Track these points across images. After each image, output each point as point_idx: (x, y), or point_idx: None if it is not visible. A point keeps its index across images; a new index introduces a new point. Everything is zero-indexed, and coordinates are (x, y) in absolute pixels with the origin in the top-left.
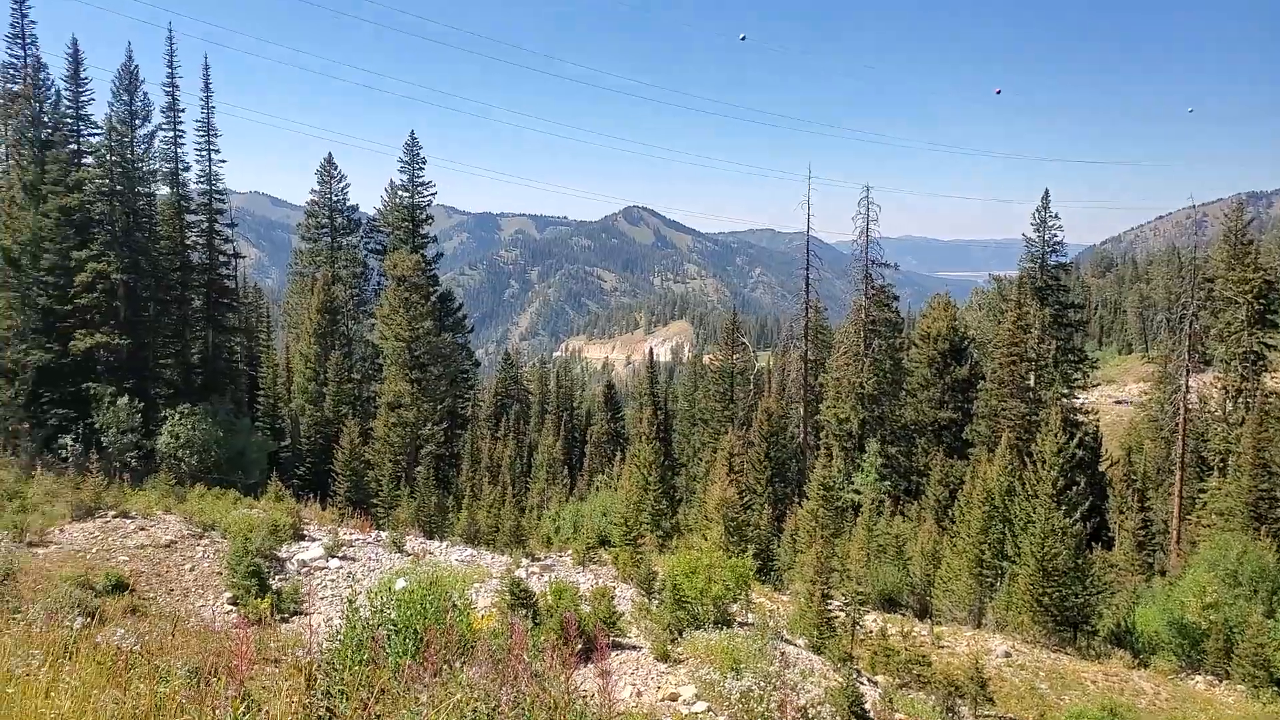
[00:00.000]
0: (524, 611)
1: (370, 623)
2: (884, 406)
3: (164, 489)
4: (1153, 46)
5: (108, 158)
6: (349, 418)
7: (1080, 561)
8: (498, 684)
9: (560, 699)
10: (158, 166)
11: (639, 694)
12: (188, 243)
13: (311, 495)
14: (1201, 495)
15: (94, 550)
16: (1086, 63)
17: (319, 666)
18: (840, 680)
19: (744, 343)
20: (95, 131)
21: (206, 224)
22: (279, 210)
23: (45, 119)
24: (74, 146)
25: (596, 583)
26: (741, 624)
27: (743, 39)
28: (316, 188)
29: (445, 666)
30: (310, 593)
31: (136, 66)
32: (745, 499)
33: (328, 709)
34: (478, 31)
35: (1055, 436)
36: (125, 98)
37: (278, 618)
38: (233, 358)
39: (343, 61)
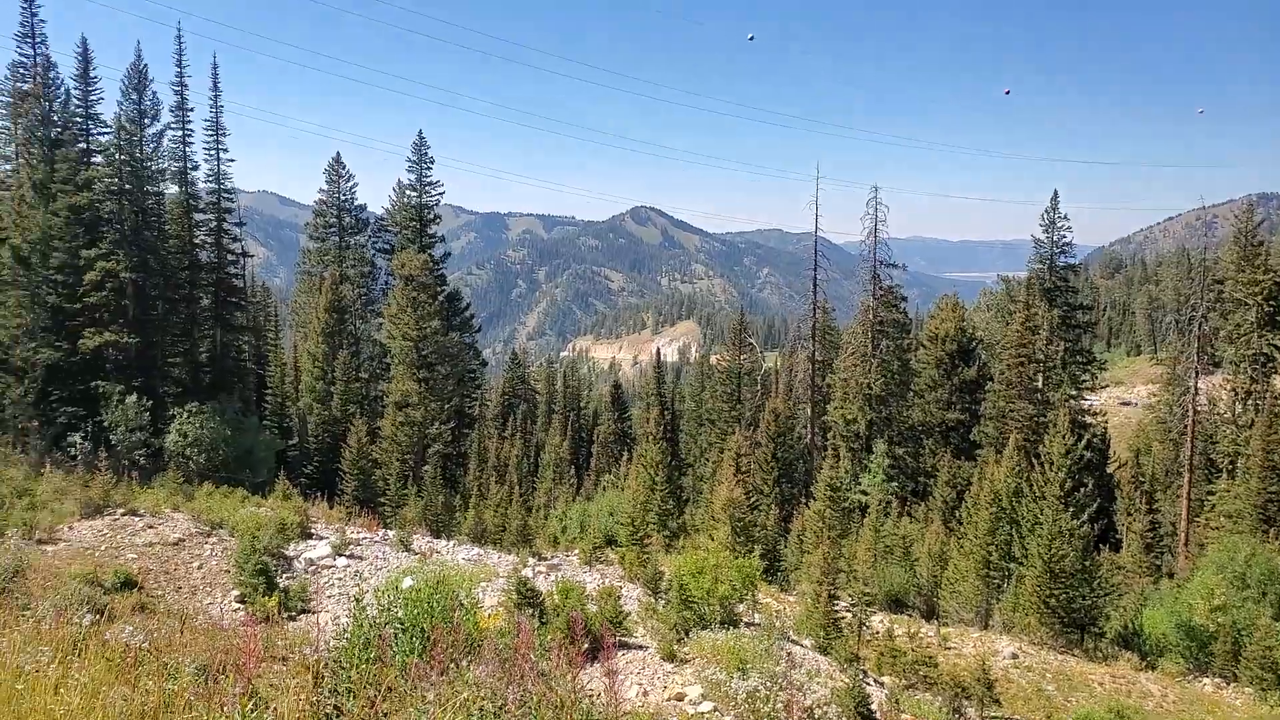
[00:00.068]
0: (530, 611)
1: (377, 621)
2: (891, 407)
3: (172, 487)
4: (1162, 48)
5: (117, 157)
6: (356, 417)
7: (1088, 563)
8: (504, 683)
9: (567, 698)
10: (166, 165)
11: (645, 693)
12: (196, 241)
13: (319, 494)
14: (1210, 497)
15: (102, 548)
16: (1097, 64)
17: (326, 664)
18: (846, 681)
19: (751, 343)
20: (104, 130)
21: (215, 223)
22: (287, 209)
23: (55, 118)
24: (83, 145)
25: (603, 582)
26: (748, 624)
27: (750, 39)
28: (325, 187)
29: (452, 665)
30: (317, 591)
31: (146, 65)
32: (752, 499)
33: (335, 707)
34: (487, 32)
35: (1063, 438)
36: (134, 97)
37: (285, 616)
38: (241, 356)
39: (352, 61)
